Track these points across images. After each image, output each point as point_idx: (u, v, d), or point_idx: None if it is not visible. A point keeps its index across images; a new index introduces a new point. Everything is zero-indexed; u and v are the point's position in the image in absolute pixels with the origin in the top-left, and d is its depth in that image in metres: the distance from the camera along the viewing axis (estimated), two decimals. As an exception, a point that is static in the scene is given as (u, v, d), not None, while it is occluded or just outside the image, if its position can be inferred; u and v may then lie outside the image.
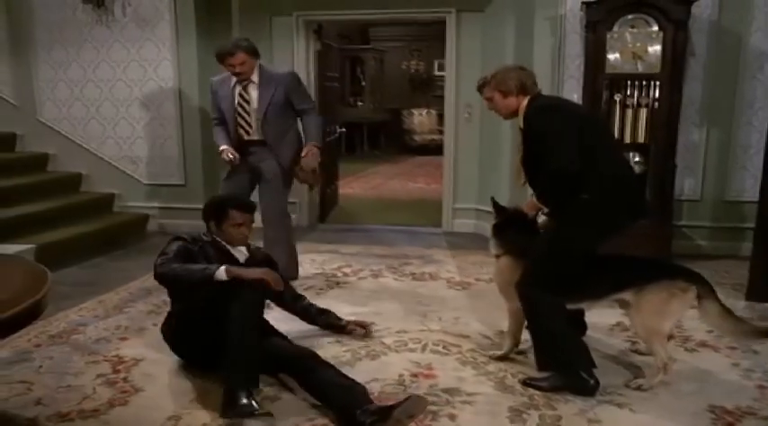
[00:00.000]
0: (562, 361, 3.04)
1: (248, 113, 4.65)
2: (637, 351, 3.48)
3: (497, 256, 3.34)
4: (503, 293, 3.33)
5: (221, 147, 4.63)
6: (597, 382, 2.96)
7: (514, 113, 3.21)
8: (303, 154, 4.57)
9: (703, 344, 3.58)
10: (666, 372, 3.04)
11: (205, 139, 6.18)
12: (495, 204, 3.38)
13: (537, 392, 3.01)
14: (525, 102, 3.15)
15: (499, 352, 3.40)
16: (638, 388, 3.04)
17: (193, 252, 3.19)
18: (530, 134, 3.10)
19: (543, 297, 3.03)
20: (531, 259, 3.12)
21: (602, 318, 3.78)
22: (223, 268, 2.96)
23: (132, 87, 6.30)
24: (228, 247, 3.31)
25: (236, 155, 4.61)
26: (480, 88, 3.32)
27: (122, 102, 6.34)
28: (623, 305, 3.22)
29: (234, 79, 4.60)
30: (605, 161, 3.03)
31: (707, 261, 5.18)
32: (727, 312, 3.02)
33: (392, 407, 2.61)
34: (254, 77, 4.58)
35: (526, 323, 3.23)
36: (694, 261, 5.09)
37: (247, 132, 4.65)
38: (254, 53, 4.57)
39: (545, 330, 3.08)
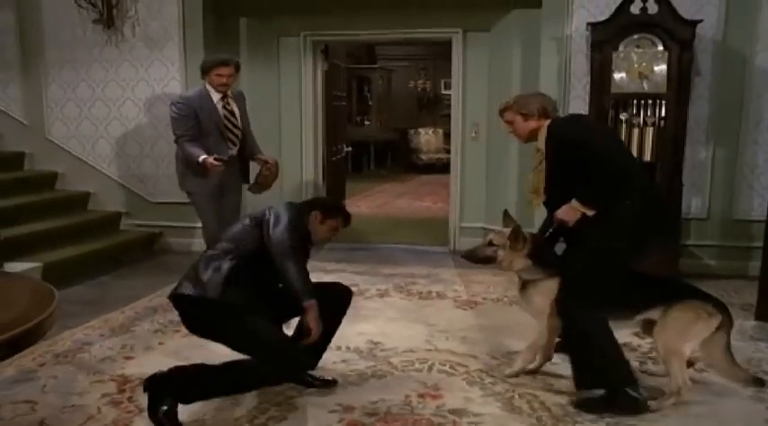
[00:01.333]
0: (609, 379, 2.97)
1: (235, 127, 4.76)
2: (647, 372, 3.44)
3: (532, 281, 3.26)
4: (542, 312, 3.24)
5: (201, 157, 4.55)
6: (645, 398, 2.94)
7: (534, 136, 3.26)
8: (265, 159, 4.77)
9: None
10: (680, 396, 3.00)
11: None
12: (522, 236, 3.25)
13: (545, 413, 2.99)
14: (546, 123, 3.20)
15: (512, 369, 3.39)
16: (648, 409, 3.00)
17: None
18: (558, 147, 3.11)
19: (589, 312, 2.99)
20: (572, 273, 3.09)
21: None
22: (314, 303, 2.91)
23: (140, 106, 6.34)
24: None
25: (222, 158, 4.63)
26: (502, 112, 3.37)
27: (130, 121, 6.38)
28: (646, 328, 3.19)
29: (214, 93, 4.67)
30: (642, 173, 3.08)
31: (715, 280, 5.14)
32: (730, 351, 3.06)
33: None
34: (229, 92, 4.73)
35: (562, 340, 3.21)
36: (702, 281, 5.05)
37: (234, 144, 4.75)
38: (239, 69, 4.79)
39: (591, 346, 3.00)
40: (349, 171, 10.28)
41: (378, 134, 14.11)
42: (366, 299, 4.83)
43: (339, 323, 3.31)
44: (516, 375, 3.36)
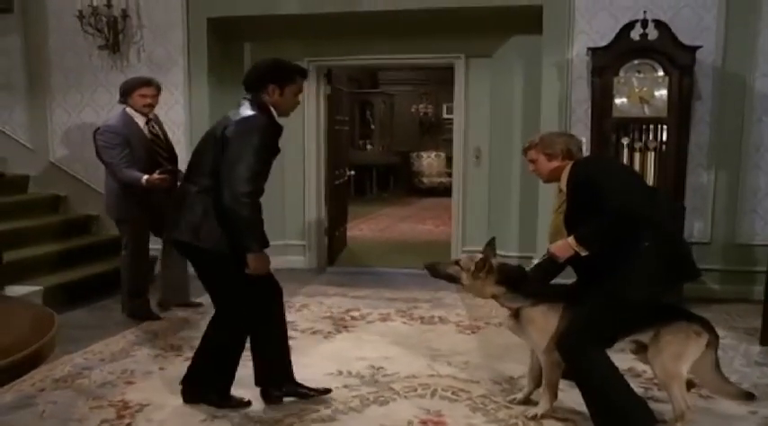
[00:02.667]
0: (635, 413, 2.86)
1: (164, 150, 4.88)
2: (652, 398, 3.41)
3: (520, 309, 3.18)
4: (538, 346, 3.16)
5: (144, 178, 4.58)
6: None
7: (556, 176, 3.22)
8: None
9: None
10: (684, 420, 2.95)
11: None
12: (489, 265, 3.18)
13: (548, 440, 2.95)
14: (569, 165, 3.14)
15: (536, 410, 3.22)
16: None
17: None
18: (576, 188, 3.04)
19: (594, 355, 2.89)
20: (581, 316, 2.97)
21: (616, 363, 3.72)
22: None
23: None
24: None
25: (166, 169, 4.72)
26: (526, 150, 3.32)
27: (134, 146, 6.41)
28: (637, 350, 3.15)
29: (137, 118, 4.74)
30: (661, 214, 2.98)
31: (718, 304, 5.13)
32: (719, 368, 3.05)
33: None
34: (151, 115, 4.83)
35: (578, 386, 3.04)
36: (706, 305, 5.05)
37: (166, 165, 4.81)
38: (160, 91, 4.90)
39: (604, 394, 2.90)
40: (351, 194, 10.29)
41: (380, 158, 14.17)
42: (368, 324, 4.81)
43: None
44: (542, 417, 3.20)
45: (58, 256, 5.64)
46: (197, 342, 4.17)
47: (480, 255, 3.22)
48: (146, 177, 4.61)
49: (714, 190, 5.43)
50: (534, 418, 3.18)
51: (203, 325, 4.63)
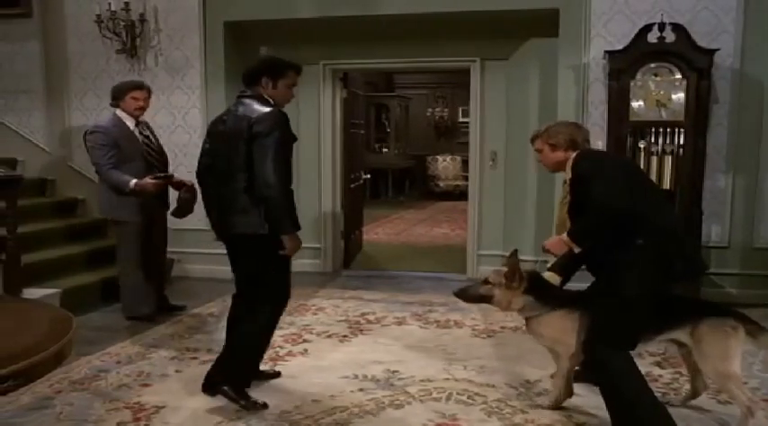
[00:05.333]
0: (653, 416, 2.83)
1: (155, 151, 4.95)
2: (668, 403, 3.38)
3: (534, 317, 3.22)
4: (557, 341, 3.21)
5: (132, 182, 4.65)
6: None
7: (561, 167, 3.23)
8: (182, 182, 4.82)
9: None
10: (753, 415, 2.89)
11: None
12: (519, 274, 3.21)
13: (564, 445, 2.93)
14: (573, 155, 3.15)
15: (549, 401, 3.32)
16: None
17: None
18: (575, 180, 3.08)
19: (617, 360, 2.87)
20: (594, 318, 2.99)
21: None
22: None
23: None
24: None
25: (160, 175, 4.86)
26: (533, 140, 3.34)
27: (151, 149, 6.45)
28: (679, 349, 3.16)
29: (128, 120, 4.80)
30: (659, 211, 2.98)
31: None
32: None
33: None
34: (141, 118, 4.90)
35: (601, 393, 2.99)
36: (725, 311, 5.00)
37: (159, 169, 4.92)
38: (151, 94, 4.97)
39: (629, 392, 2.86)
40: (367, 198, 10.30)
41: (396, 161, 14.17)
42: (383, 327, 4.81)
43: None
44: (555, 406, 3.28)
45: (76, 259, 5.69)
46: (213, 345, 4.25)
47: (504, 269, 3.23)
48: (135, 181, 4.67)
49: (732, 194, 5.37)
50: (549, 407, 3.28)
51: (220, 328, 4.68)
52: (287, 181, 3.32)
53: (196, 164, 3.69)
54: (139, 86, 4.92)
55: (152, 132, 5.09)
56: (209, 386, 3.42)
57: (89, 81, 6.48)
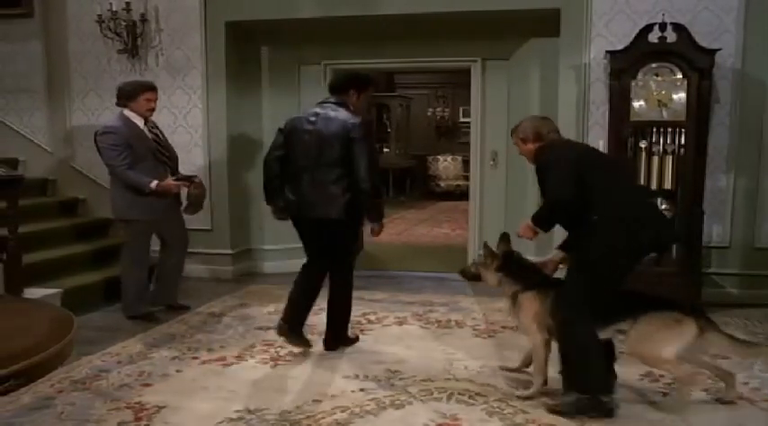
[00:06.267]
0: (589, 384, 3.16)
1: (166, 149, 4.99)
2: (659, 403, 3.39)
3: (514, 294, 3.50)
4: (526, 329, 3.47)
5: (153, 183, 4.73)
6: (614, 405, 3.16)
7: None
8: (190, 178, 5.04)
9: (739, 397, 3.46)
10: (688, 383, 3.24)
11: (232, 185, 6.27)
12: (489, 249, 3.63)
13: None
14: (536, 147, 3.44)
15: (527, 392, 3.44)
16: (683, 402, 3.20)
17: None
18: (536, 170, 3.36)
19: (581, 320, 3.17)
20: (567, 285, 3.30)
21: (632, 367, 3.70)
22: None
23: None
24: None
25: (186, 176, 5.03)
26: (511, 135, 3.66)
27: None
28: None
29: (137, 120, 4.84)
30: (614, 189, 3.23)
31: (738, 309, 5.08)
32: (734, 338, 3.27)
33: None
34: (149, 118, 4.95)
35: (558, 347, 3.31)
36: (725, 310, 5.02)
37: (169, 167, 4.98)
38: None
39: (578, 352, 3.18)
40: (368, 198, 10.27)
41: (396, 161, 14.16)
42: (384, 327, 4.81)
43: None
44: (531, 397, 3.42)
45: (77, 259, 5.69)
46: (214, 345, 4.28)
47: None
48: (156, 182, 4.73)
49: (733, 194, 5.37)
50: (526, 398, 3.41)
51: (220, 328, 4.70)
52: (378, 180, 4.15)
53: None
54: (152, 88, 4.95)
55: (160, 131, 5.11)
56: (333, 345, 4.21)
57: (90, 81, 6.48)
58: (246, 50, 6.46)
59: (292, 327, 4.12)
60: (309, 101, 6.50)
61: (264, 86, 6.58)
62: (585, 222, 3.17)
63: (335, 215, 3.98)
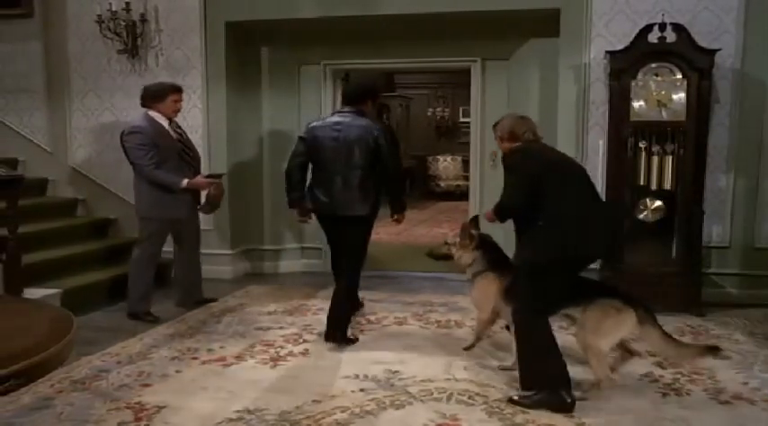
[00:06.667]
0: (546, 380, 3.28)
1: (190, 149, 5.07)
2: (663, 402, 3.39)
3: (474, 275, 3.93)
4: (480, 305, 3.97)
5: (185, 181, 4.84)
6: (574, 400, 3.22)
7: None
8: (210, 179, 5.11)
9: (738, 397, 3.47)
10: (600, 388, 3.35)
11: (232, 185, 6.26)
12: (469, 234, 3.98)
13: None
14: (511, 146, 3.59)
15: (465, 344, 4.11)
16: (581, 398, 3.28)
17: None
18: (504, 168, 3.55)
19: (534, 319, 3.31)
20: (518, 284, 3.47)
21: (632, 367, 3.70)
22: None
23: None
24: None
25: (216, 173, 5.25)
26: (493, 129, 3.83)
27: (152, 149, 6.45)
28: (570, 325, 3.61)
29: (163, 121, 4.91)
30: (563, 202, 3.31)
31: (738, 309, 5.09)
32: (668, 336, 3.36)
33: None
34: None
35: (515, 344, 3.51)
36: (725, 310, 5.03)
37: (193, 167, 5.06)
38: None
39: (535, 351, 3.32)
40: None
41: (396, 161, 14.12)
42: (384, 327, 4.81)
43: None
44: (469, 348, 4.12)
45: (76, 259, 5.69)
46: (214, 345, 4.28)
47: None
48: (186, 180, 4.83)
49: (733, 194, 5.37)
50: (466, 348, 4.15)
51: (220, 328, 4.71)
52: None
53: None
54: (180, 89, 5.07)
55: (183, 131, 5.18)
56: (340, 335, 4.37)
57: (90, 81, 6.48)
58: (246, 50, 6.46)
59: (343, 335, 4.38)
60: (309, 100, 6.57)
61: (264, 86, 6.58)
62: (533, 224, 3.36)
63: (363, 211, 4.44)
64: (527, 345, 3.35)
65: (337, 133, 4.40)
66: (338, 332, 4.34)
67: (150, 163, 4.78)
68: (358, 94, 4.58)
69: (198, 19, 6.18)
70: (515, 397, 3.34)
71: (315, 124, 4.57)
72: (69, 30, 6.46)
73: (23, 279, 4.73)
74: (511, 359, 3.77)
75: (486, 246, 3.94)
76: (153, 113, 4.92)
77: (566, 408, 3.20)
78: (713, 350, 3.48)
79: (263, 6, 6.04)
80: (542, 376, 3.29)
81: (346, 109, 4.54)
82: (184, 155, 5.00)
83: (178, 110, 5.04)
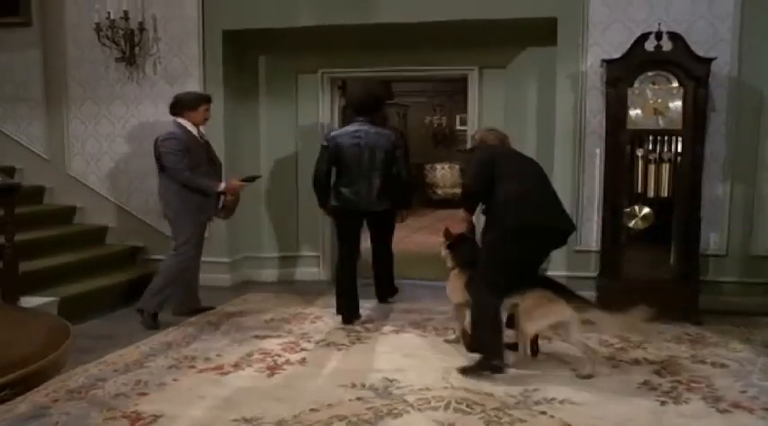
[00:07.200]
0: (487, 348, 3.87)
1: (215, 156, 5.26)
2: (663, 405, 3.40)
3: (451, 269, 4.39)
4: (450, 296, 4.41)
5: (222, 185, 5.09)
6: (506, 366, 3.86)
7: None
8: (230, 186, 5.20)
9: (737, 405, 3.46)
10: (525, 361, 3.96)
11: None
12: (446, 231, 4.48)
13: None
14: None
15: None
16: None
17: None
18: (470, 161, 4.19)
19: (485, 297, 3.88)
20: (479, 265, 4.01)
21: (630, 375, 3.70)
22: None
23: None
24: None
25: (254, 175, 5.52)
26: (472, 138, 4.59)
27: (150, 156, 6.42)
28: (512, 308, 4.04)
29: (192, 129, 5.08)
30: (512, 183, 3.86)
31: (735, 317, 5.08)
32: (609, 312, 3.81)
33: None
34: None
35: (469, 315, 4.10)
36: (723, 317, 5.03)
37: (218, 173, 5.26)
38: None
39: (479, 322, 3.93)
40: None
41: (394, 169, 14.12)
42: (382, 335, 4.80)
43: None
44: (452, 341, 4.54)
45: (73, 267, 5.67)
46: (211, 353, 4.29)
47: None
48: (223, 184, 5.10)
49: (730, 202, 5.38)
50: (448, 341, 4.57)
51: (218, 336, 4.70)
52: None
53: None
54: (210, 100, 5.28)
55: (207, 140, 5.32)
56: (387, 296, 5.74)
57: (88, 89, 6.48)
58: (244, 59, 6.47)
59: (357, 313, 5.17)
60: (307, 109, 6.58)
61: (262, 94, 6.59)
62: (489, 209, 3.96)
63: (385, 207, 5.20)
64: (478, 314, 3.92)
65: (358, 140, 5.03)
66: (356, 313, 5.16)
67: (186, 167, 4.93)
68: (371, 107, 5.18)
69: (196, 27, 6.19)
70: (461, 369, 3.93)
71: (335, 133, 5.20)
72: (67, 38, 6.47)
73: (20, 288, 4.71)
74: (511, 358, 4.00)
75: (460, 246, 4.37)
76: (183, 121, 5.08)
77: (496, 371, 3.80)
78: (653, 315, 3.77)
79: (260, 15, 6.05)
80: (484, 343, 3.90)
81: (361, 118, 5.12)
82: (210, 161, 5.18)
83: (207, 119, 5.22)
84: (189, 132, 5.06)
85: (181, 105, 5.11)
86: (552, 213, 3.93)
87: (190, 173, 4.95)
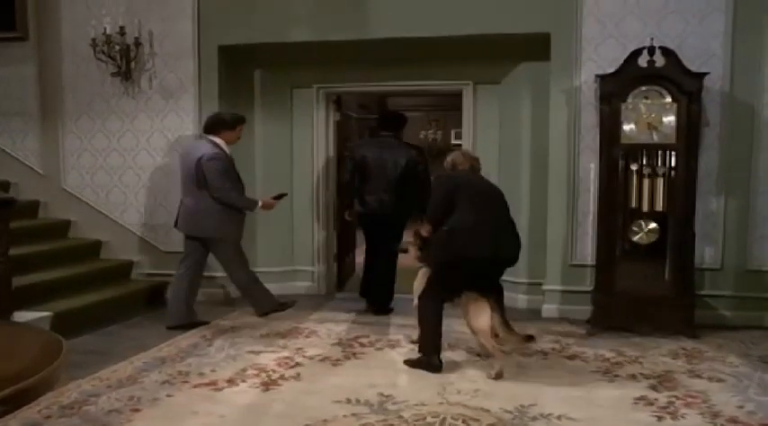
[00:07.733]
0: (427, 347, 4.29)
1: (239, 175, 5.37)
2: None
3: (420, 267, 4.68)
4: (415, 292, 4.62)
5: (261, 201, 5.36)
6: (441, 363, 4.24)
7: None
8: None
9: (734, 420, 3.45)
10: (496, 360, 4.17)
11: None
12: (417, 232, 4.67)
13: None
14: None
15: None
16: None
17: None
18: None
19: (428, 303, 4.33)
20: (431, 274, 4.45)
21: (626, 390, 3.69)
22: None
23: (155, 156, 6.42)
24: None
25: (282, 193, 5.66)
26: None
27: (145, 171, 6.46)
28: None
29: (227, 148, 5.22)
30: (464, 214, 4.18)
31: (731, 331, 5.08)
32: (506, 324, 4.22)
33: None
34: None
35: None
36: (718, 332, 5.03)
37: (244, 190, 5.39)
38: None
39: (422, 322, 4.37)
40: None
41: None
42: (377, 350, 4.78)
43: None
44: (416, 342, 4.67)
45: (68, 281, 5.65)
46: (205, 369, 4.26)
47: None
48: (261, 201, 5.36)
49: (724, 217, 5.40)
50: (413, 342, 4.75)
51: (211, 352, 4.69)
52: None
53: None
54: (245, 120, 5.50)
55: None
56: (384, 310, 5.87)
57: (83, 104, 6.49)
58: (239, 74, 6.49)
59: (387, 307, 5.88)
60: (302, 123, 6.60)
61: (257, 109, 6.60)
62: (440, 228, 4.25)
63: (402, 212, 5.70)
64: (422, 319, 4.34)
65: (380, 151, 5.68)
66: (386, 306, 5.77)
67: (229, 186, 5.13)
68: (394, 125, 5.93)
69: (191, 43, 6.22)
70: (406, 361, 4.39)
71: (361, 144, 6.01)
72: (64, 53, 6.49)
73: (13, 302, 4.69)
74: (498, 368, 4.15)
75: (426, 245, 4.60)
76: (218, 139, 5.21)
77: (433, 368, 4.19)
78: (530, 339, 4.32)
79: (256, 30, 6.07)
80: (425, 342, 4.31)
81: (387, 133, 5.82)
82: (239, 179, 5.30)
83: (239, 138, 5.41)
84: (226, 151, 5.21)
85: (222, 124, 5.24)
86: (496, 243, 4.19)
87: (234, 191, 5.16)
